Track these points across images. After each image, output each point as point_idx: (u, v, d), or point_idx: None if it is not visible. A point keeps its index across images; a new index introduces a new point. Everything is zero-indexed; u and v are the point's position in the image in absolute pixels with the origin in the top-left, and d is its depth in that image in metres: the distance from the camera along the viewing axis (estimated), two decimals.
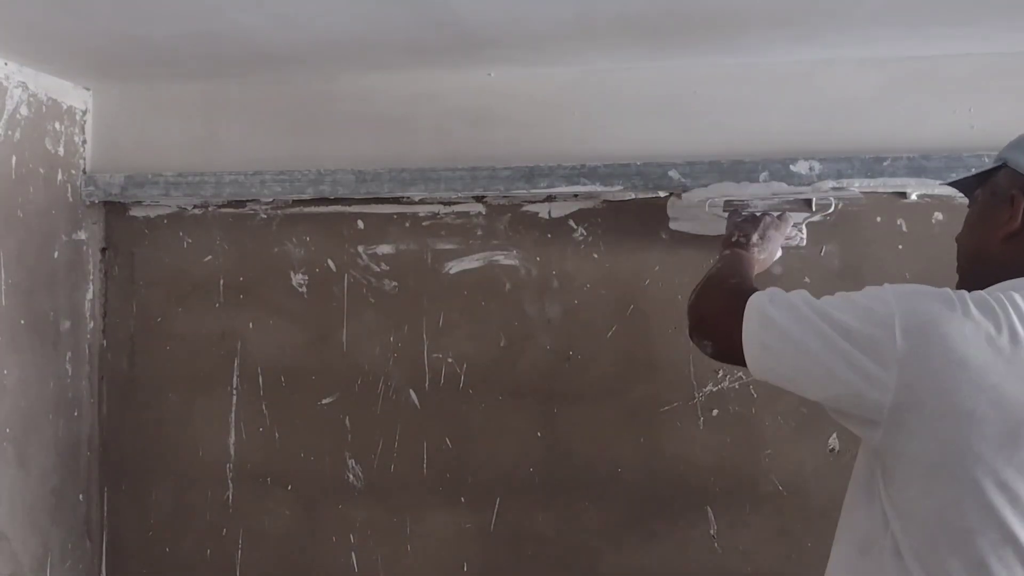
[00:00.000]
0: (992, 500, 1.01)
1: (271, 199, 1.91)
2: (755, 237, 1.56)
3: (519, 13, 1.44)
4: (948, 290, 1.09)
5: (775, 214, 1.62)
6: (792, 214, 1.63)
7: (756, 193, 1.66)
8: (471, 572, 1.86)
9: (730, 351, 1.21)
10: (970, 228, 1.25)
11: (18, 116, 1.81)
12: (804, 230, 1.69)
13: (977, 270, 1.21)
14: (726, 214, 1.66)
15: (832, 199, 1.64)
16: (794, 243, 1.69)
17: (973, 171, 1.26)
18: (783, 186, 1.66)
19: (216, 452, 1.97)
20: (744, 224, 1.60)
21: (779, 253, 1.62)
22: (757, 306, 1.18)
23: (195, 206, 1.98)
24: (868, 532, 1.13)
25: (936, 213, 1.64)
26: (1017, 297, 1.07)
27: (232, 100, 1.94)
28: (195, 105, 1.96)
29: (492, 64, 1.76)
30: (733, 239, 1.56)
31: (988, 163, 1.23)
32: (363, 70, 1.82)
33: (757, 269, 1.54)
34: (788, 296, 1.18)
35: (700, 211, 1.71)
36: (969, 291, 1.09)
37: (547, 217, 1.81)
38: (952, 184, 1.31)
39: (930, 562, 1.04)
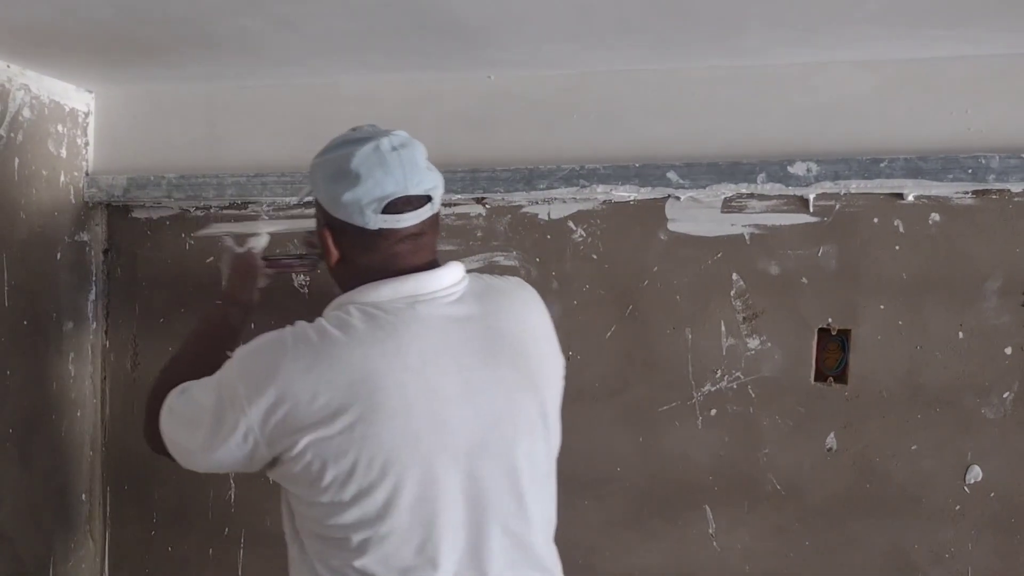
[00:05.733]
0: None
1: (273, 201, 1.92)
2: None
3: (519, 15, 1.45)
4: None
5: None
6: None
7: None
8: None
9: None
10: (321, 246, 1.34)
11: (20, 118, 1.82)
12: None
13: (338, 281, 1.34)
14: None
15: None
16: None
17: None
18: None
19: None
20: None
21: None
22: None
23: (197, 208, 1.99)
24: None
25: (933, 214, 1.64)
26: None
27: (234, 102, 1.95)
28: (197, 107, 1.97)
29: (492, 66, 1.77)
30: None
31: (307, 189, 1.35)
32: (363, 72, 1.82)
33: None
34: None
35: (701, 211, 1.72)
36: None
37: (546, 218, 1.82)
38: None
39: None
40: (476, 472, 1.22)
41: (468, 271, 1.33)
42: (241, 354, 1.24)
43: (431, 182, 1.26)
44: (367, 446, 1.16)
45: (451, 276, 1.27)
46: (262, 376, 1.18)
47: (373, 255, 1.25)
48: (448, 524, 1.20)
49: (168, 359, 1.49)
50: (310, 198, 1.36)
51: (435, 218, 1.29)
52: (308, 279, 1.93)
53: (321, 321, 1.24)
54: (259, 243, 1.76)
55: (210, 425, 1.23)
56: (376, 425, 1.16)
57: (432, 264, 1.28)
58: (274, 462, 1.23)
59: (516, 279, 1.42)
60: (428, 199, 1.25)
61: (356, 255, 1.26)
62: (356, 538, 1.20)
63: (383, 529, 1.19)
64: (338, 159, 1.25)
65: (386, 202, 1.21)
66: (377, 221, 1.21)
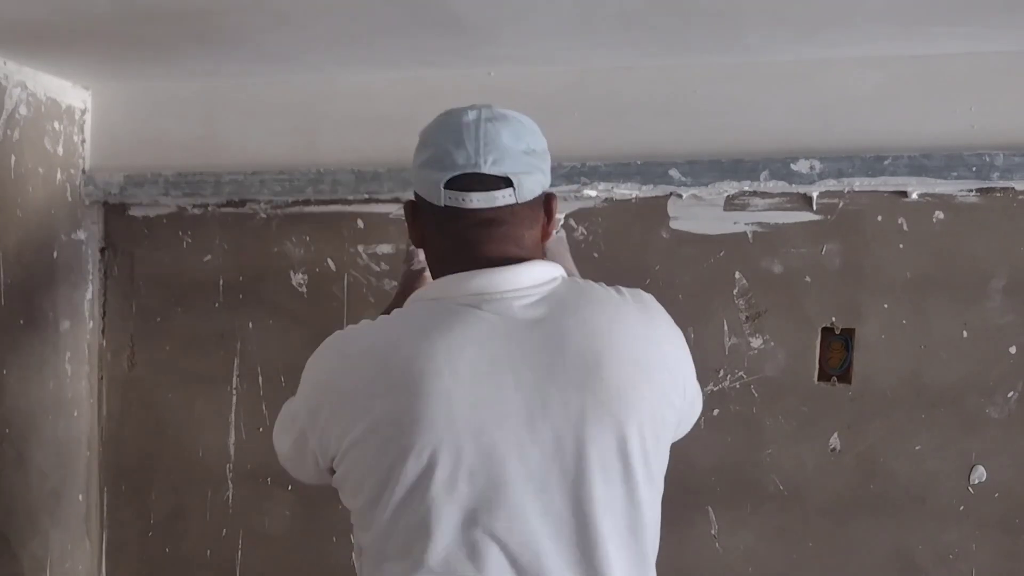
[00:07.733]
0: None
1: (270, 199, 1.91)
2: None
3: (519, 11, 1.44)
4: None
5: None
6: None
7: None
8: None
9: None
10: None
11: (17, 116, 1.81)
12: None
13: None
14: None
15: None
16: None
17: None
18: None
19: (216, 452, 1.97)
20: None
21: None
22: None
23: (194, 206, 1.98)
24: None
25: (937, 212, 1.63)
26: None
27: (231, 99, 1.94)
28: (194, 104, 1.96)
29: (492, 63, 1.76)
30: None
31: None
32: (362, 69, 1.81)
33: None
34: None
35: (703, 209, 1.71)
36: None
37: None
38: None
39: None
40: (529, 514, 1.02)
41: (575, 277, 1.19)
42: (311, 357, 1.17)
43: (517, 166, 1.08)
44: (403, 460, 1.03)
45: (533, 275, 1.08)
46: (311, 377, 1.14)
47: (444, 239, 1.12)
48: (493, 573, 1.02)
49: None
50: None
51: (522, 209, 1.10)
52: (307, 277, 1.92)
53: (381, 318, 1.13)
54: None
55: (290, 433, 1.19)
56: (414, 436, 1.01)
57: (513, 260, 1.09)
58: (332, 471, 1.15)
59: (636, 291, 1.18)
60: (508, 182, 1.08)
61: (430, 236, 1.15)
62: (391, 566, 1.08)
63: (422, 565, 1.04)
64: (427, 128, 1.15)
65: (450, 176, 1.07)
66: (443, 197, 1.08)
